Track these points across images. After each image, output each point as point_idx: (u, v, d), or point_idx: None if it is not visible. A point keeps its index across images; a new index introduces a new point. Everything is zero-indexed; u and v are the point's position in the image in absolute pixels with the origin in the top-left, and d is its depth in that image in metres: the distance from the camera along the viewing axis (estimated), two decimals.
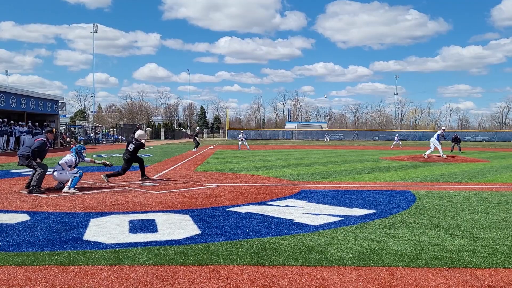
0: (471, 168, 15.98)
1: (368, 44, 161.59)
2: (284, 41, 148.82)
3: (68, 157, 9.35)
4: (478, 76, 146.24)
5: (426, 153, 21.65)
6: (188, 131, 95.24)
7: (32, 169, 9.02)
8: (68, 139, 37.59)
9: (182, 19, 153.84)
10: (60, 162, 9.20)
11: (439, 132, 22.13)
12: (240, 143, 32.10)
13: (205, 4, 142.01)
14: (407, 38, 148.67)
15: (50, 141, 9.11)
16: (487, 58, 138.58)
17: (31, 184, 8.84)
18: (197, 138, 28.79)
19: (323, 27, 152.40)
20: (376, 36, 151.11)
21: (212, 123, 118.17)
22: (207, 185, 10.16)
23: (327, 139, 67.99)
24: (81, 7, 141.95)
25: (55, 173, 9.19)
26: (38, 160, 8.98)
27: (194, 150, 27.64)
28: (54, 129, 9.55)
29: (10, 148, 27.19)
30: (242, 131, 34.94)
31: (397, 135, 45.87)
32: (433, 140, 21.57)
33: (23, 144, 15.89)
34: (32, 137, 9.19)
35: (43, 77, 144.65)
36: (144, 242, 4.94)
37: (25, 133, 27.50)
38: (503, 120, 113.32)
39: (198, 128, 33.40)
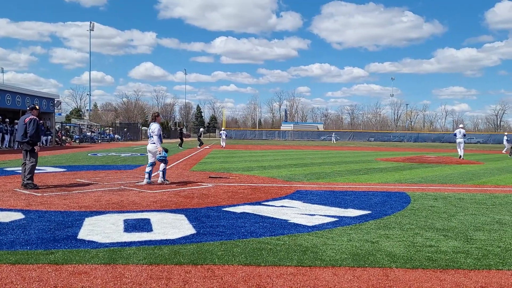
0: (466, 170, 16.06)
1: (364, 45, 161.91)
2: (279, 41, 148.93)
3: (155, 125, 10.20)
4: (473, 78, 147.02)
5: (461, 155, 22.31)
6: (184, 130, 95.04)
7: (26, 159, 9.05)
8: (63, 137, 37.40)
9: (177, 19, 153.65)
10: (151, 130, 10.12)
11: (463, 131, 22.63)
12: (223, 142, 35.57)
13: (201, 3, 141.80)
14: (403, 40, 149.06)
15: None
16: (482, 61, 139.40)
17: (25, 180, 8.91)
18: (201, 138, 34.35)
19: (319, 28, 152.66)
20: (371, 38, 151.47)
21: (208, 123, 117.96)
22: (202, 185, 10.15)
23: (333, 140, 67.67)
24: (76, 5, 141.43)
25: (148, 145, 10.27)
26: (38, 147, 9.22)
27: (198, 147, 32.37)
28: (37, 106, 9.68)
29: (5, 146, 27.05)
30: (223, 129, 38.24)
31: (505, 136, 32.85)
32: (461, 141, 22.38)
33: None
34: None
35: (38, 75, 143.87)
36: (138, 242, 4.93)
37: None
38: (498, 123, 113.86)
39: (202, 129, 38.10)
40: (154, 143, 10.06)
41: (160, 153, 9.99)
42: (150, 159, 10.21)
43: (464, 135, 22.57)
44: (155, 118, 10.53)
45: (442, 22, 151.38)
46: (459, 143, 22.35)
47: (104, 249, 4.61)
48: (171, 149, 29.66)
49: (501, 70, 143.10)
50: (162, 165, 10.15)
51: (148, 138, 10.30)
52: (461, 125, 24.55)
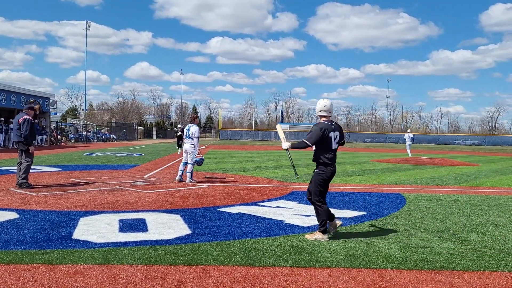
0: (461, 171, 16.13)
1: (359, 46, 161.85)
2: (275, 42, 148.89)
3: (194, 128, 10.68)
4: (467, 80, 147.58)
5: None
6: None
7: (22, 159, 9.03)
8: (59, 137, 37.24)
9: (173, 18, 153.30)
10: (191, 133, 10.54)
11: (411, 135, 26.69)
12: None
13: (197, 3, 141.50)
14: (398, 41, 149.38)
15: (32, 116, 9.33)
16: (477, 63, 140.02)
17: (20, 179, 8.88)
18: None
19: (314, 29, 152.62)
20: (367, 39, 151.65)
21: (204, 123, 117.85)
22: (198, 185, 10.14)
23: None
24: (71, 4, 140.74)
25: (185, 145, 10.72)
26: (32, 147, 9.20)
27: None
28: (36, 106, 9.65)
29: (0, 145, 26.92)
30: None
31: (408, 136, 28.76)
32: (410, 143, 26.31)
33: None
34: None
35: (33, 74, 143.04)
36: (134, 242, 4.92)
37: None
38: (493, 125, 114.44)
39: (179, 125, 30.71)
40: (193, 144, 10.63)
41: (200, 156, 10.77)
42: (185, 159, 10.79)
43: (412, 139, 26.66)
44: (193, 120, 11.04)
45: (437, 24, 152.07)
46: (409, 145, 26.25)
47: (99, 249, 4.60)
48: (168, 149, 29.61)
49: (495, 72, 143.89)
50: (189, 166, 10.63)
51: (186, 138, 10.81)
52: (409, 130, 28.98)
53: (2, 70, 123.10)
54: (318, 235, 5.26)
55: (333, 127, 5.33)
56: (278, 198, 8.49)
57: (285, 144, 5.49)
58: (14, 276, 3.77)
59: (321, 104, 5.40)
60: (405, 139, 26.88)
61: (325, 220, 5.26)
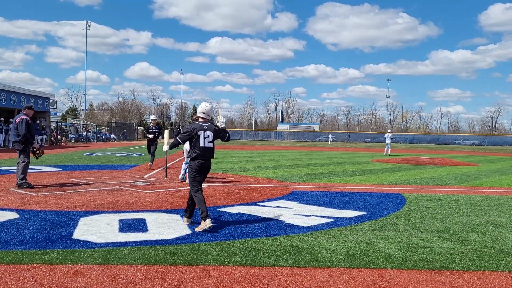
0: (461, 171, 16.13)
1: (359, 46, 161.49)
2: (275, 42, 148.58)
3: None
4: (467, 80, 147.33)
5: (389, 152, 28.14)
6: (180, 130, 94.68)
7: (18, 159, 9.04)
8: (59, 137, 37.24)
9: (172, 18, 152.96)
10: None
11: (391, 135, 28.92)
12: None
13: (196, 3, 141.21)
14: (398, 41, 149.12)
15: (30, 117, 9.31)
16: (476, 63, 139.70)
17: (19, 180, 8.89)
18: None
19: (314, 29, 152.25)
20: (366, 39, 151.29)
21: None
22: None
23: (330, 140, 67.79)
24: (70, 4, 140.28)
25: (186, 145, 10.42)
26: (37, 145, 9.29)
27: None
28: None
29: (0, 145, 26.91)
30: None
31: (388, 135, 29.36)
32: (389, 142, 28.39)
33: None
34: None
35: (33, 74, 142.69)
36: (134, 242, 4.92)
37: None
38: (493, 125, 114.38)
39: (153, 116, 17.54)
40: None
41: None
42: (187, 158, 10.79)
43: (391, 138, 29.08)
44: (197, 119, 10.98)
45: (437, 24, 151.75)
46: (388, 143, 28.14)
47: (99, 249, 4.60)
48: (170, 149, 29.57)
49: (495, 72, 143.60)
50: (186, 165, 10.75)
51: None
52: (389, 130, 31.62)
53: (2, 70, 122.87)
54: (202, 225, 5.54)
55: (205, 127, 5.96)
56: (278, 198, 8.49)
57: (166, 147, 6.84)
58: (14, 276, 3.77)
59: (203, 107, 6.19)
60: (385, 138, 28.88)
61: (203, 207, 5.60)
